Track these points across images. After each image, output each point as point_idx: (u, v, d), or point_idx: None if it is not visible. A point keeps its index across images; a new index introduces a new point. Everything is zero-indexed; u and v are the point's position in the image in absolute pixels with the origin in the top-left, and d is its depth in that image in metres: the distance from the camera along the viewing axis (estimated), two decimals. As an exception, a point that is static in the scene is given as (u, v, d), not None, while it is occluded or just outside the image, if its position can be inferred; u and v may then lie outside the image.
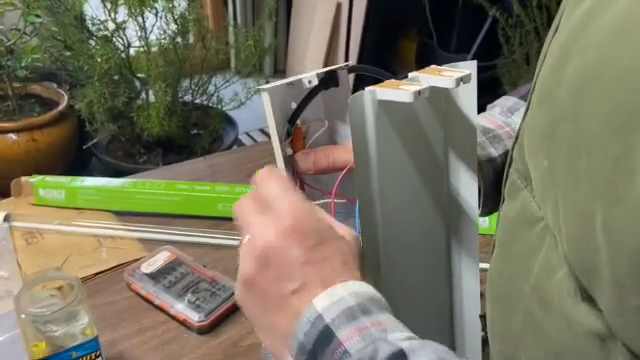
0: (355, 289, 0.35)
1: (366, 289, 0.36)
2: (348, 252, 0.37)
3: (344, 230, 0.38)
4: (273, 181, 0.39)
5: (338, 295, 0.34)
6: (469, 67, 0.42)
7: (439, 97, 0.43)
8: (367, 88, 0.38)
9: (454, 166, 0.46)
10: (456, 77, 0.38)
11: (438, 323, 0.50)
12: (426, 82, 0.38)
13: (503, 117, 0.54)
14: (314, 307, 0.34)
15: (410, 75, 0.40)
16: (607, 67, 0.27)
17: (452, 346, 0.51)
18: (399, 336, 0.33)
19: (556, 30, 0.37)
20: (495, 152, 0.52)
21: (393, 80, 0.39)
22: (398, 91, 0.36)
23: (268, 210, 0.38)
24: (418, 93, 0.36)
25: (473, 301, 0.49)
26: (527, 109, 0.40)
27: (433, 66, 0.40)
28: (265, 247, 0.36)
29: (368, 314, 0.34)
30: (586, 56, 0.29)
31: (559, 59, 0.32)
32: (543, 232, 0.35)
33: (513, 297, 0.39)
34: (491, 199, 0.54)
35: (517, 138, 0.42)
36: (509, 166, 0.43)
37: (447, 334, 0.51)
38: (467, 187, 0.46)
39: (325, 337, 0.33)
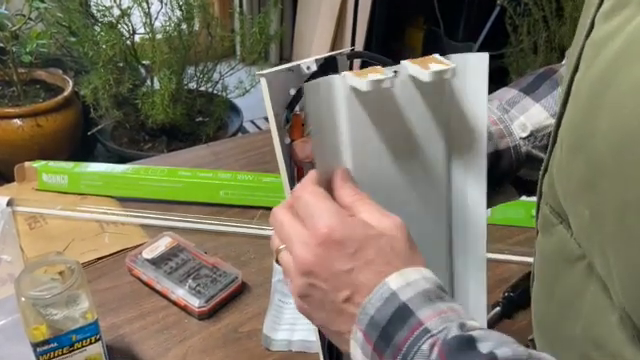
0: (426, 274, 0.36)
1: (434, 276, 0.37)
2: (390, 249, 0.36)
3: (386, 222, 0.37)
4: (306, 194, 0.39)
5: (412, 277, 0.35)
6: (480, 59, 0.42)
7: (441, 86, 0.42)
8: (342, 73, 0.38)
9: (459, 160, 0.45)
10: (434, 70, 0.38)
11: None
12: (405, 71, 0.39)
13: (500, 112, 0.53)
14: (387, 285, 0.35)
15: (402, 62, 0.40)
16: None
17: None
18: (473, 324, 0.34)
19: (576, 69, 0.35)
20: None
21: (376, 67, 0.39)
22: (358, 78, 0.37)
23: (304, 223, 0.38)
24: (378, 82, 0.36)
25: (480, 290, 0.49)
26: (553, 143, 0.38)
27: (434, 55, 0.40)
28: (308, 264, 0.37)
29: (442, 300, 0.35)
30: (623, 110, 0.28)
31: (589, 106, 0.31)
32: (587, 271, 0.35)
33: (565, 340, 0.38)
34: None
35: (545, 172, 0.41)
36: (539, 198, 0.42)
37: None
38: (474, 181, 0.46)
39: (402, 314, 0.34)
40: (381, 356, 0.34)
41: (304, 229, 0.38)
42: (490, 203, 0.56)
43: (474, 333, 0.33)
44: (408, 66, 0.39)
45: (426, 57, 0.40)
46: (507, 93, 0.55)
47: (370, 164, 0.42)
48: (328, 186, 0.40)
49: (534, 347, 0.50)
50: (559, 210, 0.37)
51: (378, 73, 0.38)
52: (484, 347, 0.32)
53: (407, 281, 0.35)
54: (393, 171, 0.43)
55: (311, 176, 0.40)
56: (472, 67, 0.42)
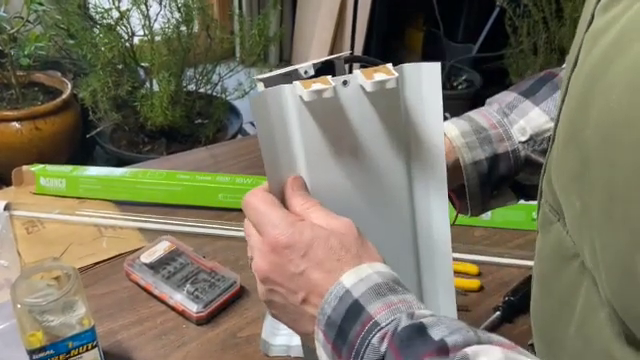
0: (379, 269, 0.37)
1: (389, 270, 0.37)
2: (340, 247, 0.37)
3: (335, 223, 0.39)
4: (254, 200, 0.40)
5: (365, 273, 0.36)
6: (432, 69, 0.42)
7: (391, 96, 0.42)
8: (294, 82, 0.39)
9: (419, 172, 0.45)
10: (375, 80, 0.39)
11: None
12: (355, 81, 0.40)
13: (499, 116, 0.53)
14: (341, 283, 0.36)
15: (354, 72, 0.41)
16: (635, 114, 0.26)
17: None
18: (423, 312, 0.35)
19: (575, 64, 0.36)
20: (482, 154, 0.51)
21: (325, 77, 0.40)
22: (303, 88, 0.38)
23: (258, 230, 0.40)
24: (319, 92, 0.38)
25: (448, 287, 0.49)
26: (552, 141, 0.39)
27: (386, 65, 0.41)
28: (264, 271, 0.39)
29: (394, 292, 0.35)
30: (611, 97, 0.28)
31: (583, 98, 0.32)
32: (581, 269, 0.35)
33: (561, 339, 0.39)
34: (478, 201, 0.53)
35: (545, 171, 0.41)
36: (540, 198, 0.42)
37: None
38: (436, 195, 0.46)
39: (354, 311, 0.35)
40: (340, 355, 0.35)
41: (259, 237, 0.39)
42: (488, 207, 0.56)
43: (424, 320, 0.33)
44: (357, 76, 0.40)
45: (377, 67, 0.41)
46: (507, 96, 0.54)
47: (325, 175, 0.42)
48: (282, 196, 0.41)
49: (534, 352, 0.49)
50: (557, 208, 0.38)
51: (323, 83, 0.38)
52: (435, 333, 0.32)
53: (360, 277, 0.36)
54: (350, 182, 0.43)
55: (263, 185, 0.41)
56: (425, 77, 0.42)
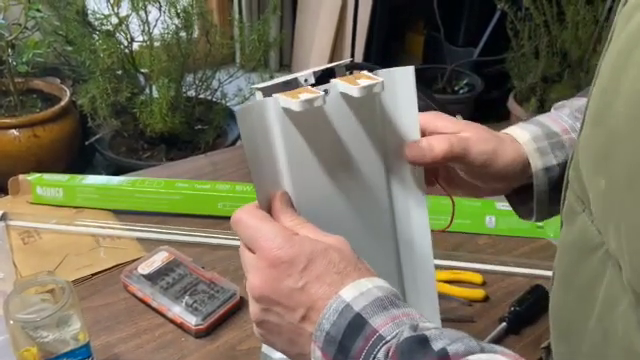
0: (379, 283, 0.36)
1: (388, 285, 0.37)
2: (339, 260, 0.37)
3: (329, 239, 0.38)
4: (244, 219, 0.39)
5: (365, 287, 0.35)
6: (406, 73, 0.42)
7: (371, 102, 0.42)
8: (274, 95, 0.38)
9: (397, 177, 0.45)
10: (363, 85, 0.38)
11: None
12: (336, 89, 0.40)
13: (571, 120, 0.51)
14: (340, 297, 0.35)
15: (332, 80, 0.40)
16: None
17: None
18: (427, 325, 0.34)
19: (609, 44, 0.35)
20: (554, 160, 0.49)
21: (307, 87, 0.39)
22: (290, 99, 0.37)
23: (251, 247, 0.39)
24: (310, 102, 0.37)
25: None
26: (581, 129, 0.39)
27: (363, 72, 0.41)
28: (258, 289, 0.37)
29: (396, 306, 0.35)
30: None
31: (615, 71, 0.31)
32: (605, 258, 0.34)
33: (579, 330, 0.38)
34: (545, 206, 0.52)
35: (572, 158, 0.41)
36: (565, 189, 0.42)
37: None
38: (414, 200, 0.46)
39: (356, 325, 0.34)
40: None
41: (251, 254, 0.38)
42: (554, 212, 0.54)
43: (427, 333, 0.33)
44: (338, 83, 0.40)
45: (356, 74, 0.40)
46: (578, 101, 0.54)
47: (310, 187, 0.41)
48: (270, 211, 0.41)
49: (549, 354, 0.48)
50: (583, 196, 0.37)
51: (308, 92, 0.38)
52: (437, 345, 0.32)
53: (360, 291, 0.35)
54: (335, 193, 0.42)
55: (253, 203, 0.41)
56: (399, 81, 0.42)
